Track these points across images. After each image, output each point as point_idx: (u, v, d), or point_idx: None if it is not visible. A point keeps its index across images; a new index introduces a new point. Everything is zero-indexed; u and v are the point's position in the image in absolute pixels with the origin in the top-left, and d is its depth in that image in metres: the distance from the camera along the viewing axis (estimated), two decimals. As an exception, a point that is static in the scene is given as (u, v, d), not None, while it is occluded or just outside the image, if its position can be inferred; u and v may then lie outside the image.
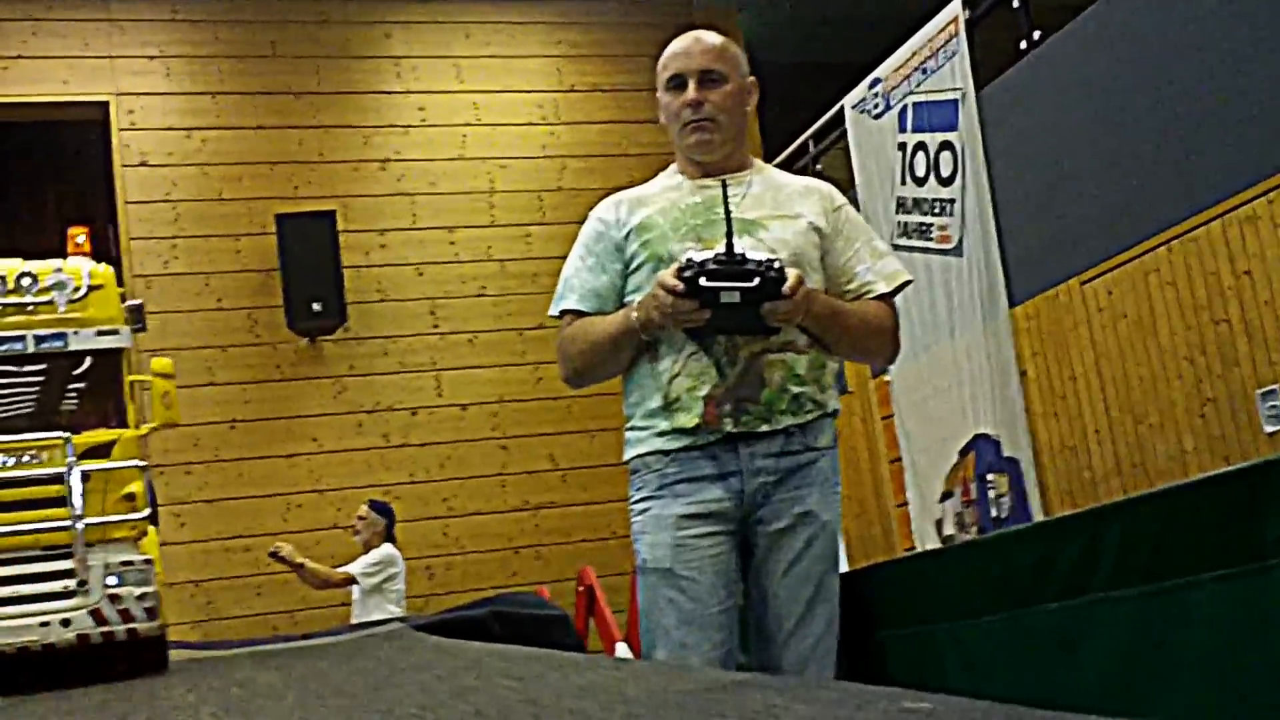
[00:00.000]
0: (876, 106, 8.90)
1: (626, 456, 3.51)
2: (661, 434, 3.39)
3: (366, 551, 8.77)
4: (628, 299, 3.47)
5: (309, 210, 10.14)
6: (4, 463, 2.26)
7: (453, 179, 10.84)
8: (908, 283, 3.58)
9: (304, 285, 9.91)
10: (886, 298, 3.52)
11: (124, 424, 2.45)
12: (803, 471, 3.38)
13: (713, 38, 3.59)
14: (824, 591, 3.43)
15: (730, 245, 3.22)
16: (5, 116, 10.18)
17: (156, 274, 9.91)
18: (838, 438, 3.51)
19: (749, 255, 3.20)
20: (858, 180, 8.98)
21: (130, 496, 2.41)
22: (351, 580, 8.42)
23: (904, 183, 8.43)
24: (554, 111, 11.18)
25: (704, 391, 3.32)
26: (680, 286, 3.18)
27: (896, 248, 8.13)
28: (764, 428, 3.32)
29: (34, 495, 2.30)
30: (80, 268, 2.47)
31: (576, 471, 10.40)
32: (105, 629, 2.31)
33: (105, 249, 9.94)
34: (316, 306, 9.93)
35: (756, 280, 3.16)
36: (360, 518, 8.96)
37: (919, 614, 3.58)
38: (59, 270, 2.38)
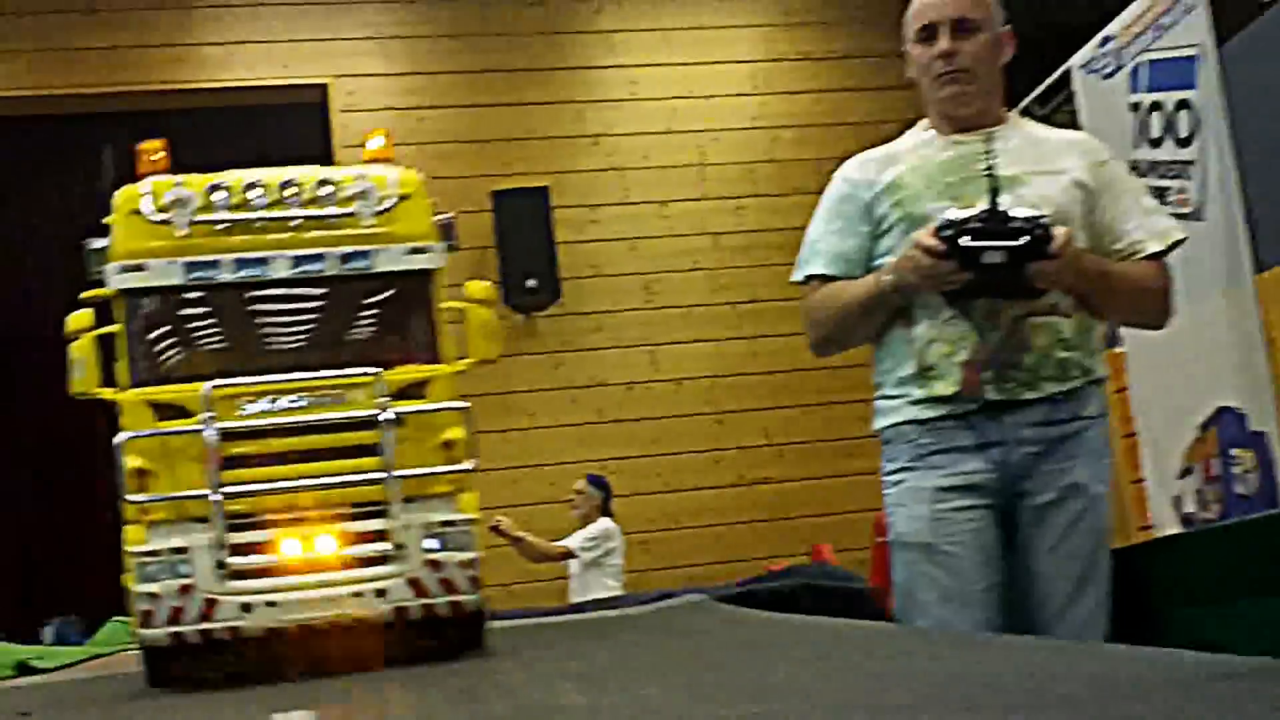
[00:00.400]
0: (1107, 66, 8.51)
1: (877, 426, 3.45)
2: (916, 402, 3.32)
3: (584, 526, 8.84)
4: (877, 263, 3.40)
5: (523, 186, 10.25)
6: (303, 404, 2.03)
7: (664, 152, 10.81)
8: (1180, 241, 3.42)
9: (519, 261, 10.04)
10: (1158, 257, 3.38)
11: (435, 359, 2.16)
12: (1070, 441, 3.27)
13: None
14: (1094, 570, 3.30)
15: (994, 202, 3.12)
16: (227, 101, 10.47)
17: (376, 253, 10.11)
18: (1108, 406, 3.40)
19: (1014, 213, 3.09)
20: (1086, 142, 8.62)
21: (449, 444, 2.12)
22: (570, 554, 8.48)
23: (1138, 146, 8.03)
24: (765, 81, 11.04)
25: (963, 357, 3.24)
26: (940, 246, 3.11)
27: (1130, 212, 7.78)
28: (1028, 395, 3.23)
29: (340, 443, 2.04)
30: (387, 175, 2.18)
31: (793, 447, 10.30)
32: (425, 601, 2.05)
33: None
34: (531, 283, 10.04)
35: (1023, 239, 3.05)
36: (577, 492, 9.03)
37: (1208, 592, 3.36)
38: (363, 177, 2.11)
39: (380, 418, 2.06)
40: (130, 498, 2.05)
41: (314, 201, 2.12)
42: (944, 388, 3.27)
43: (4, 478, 10.59)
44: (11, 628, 8.81)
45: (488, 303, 2.31)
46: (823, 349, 3.58)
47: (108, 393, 2.16)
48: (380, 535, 2.08)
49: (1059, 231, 3.11)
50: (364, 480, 2.08)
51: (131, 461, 2.07)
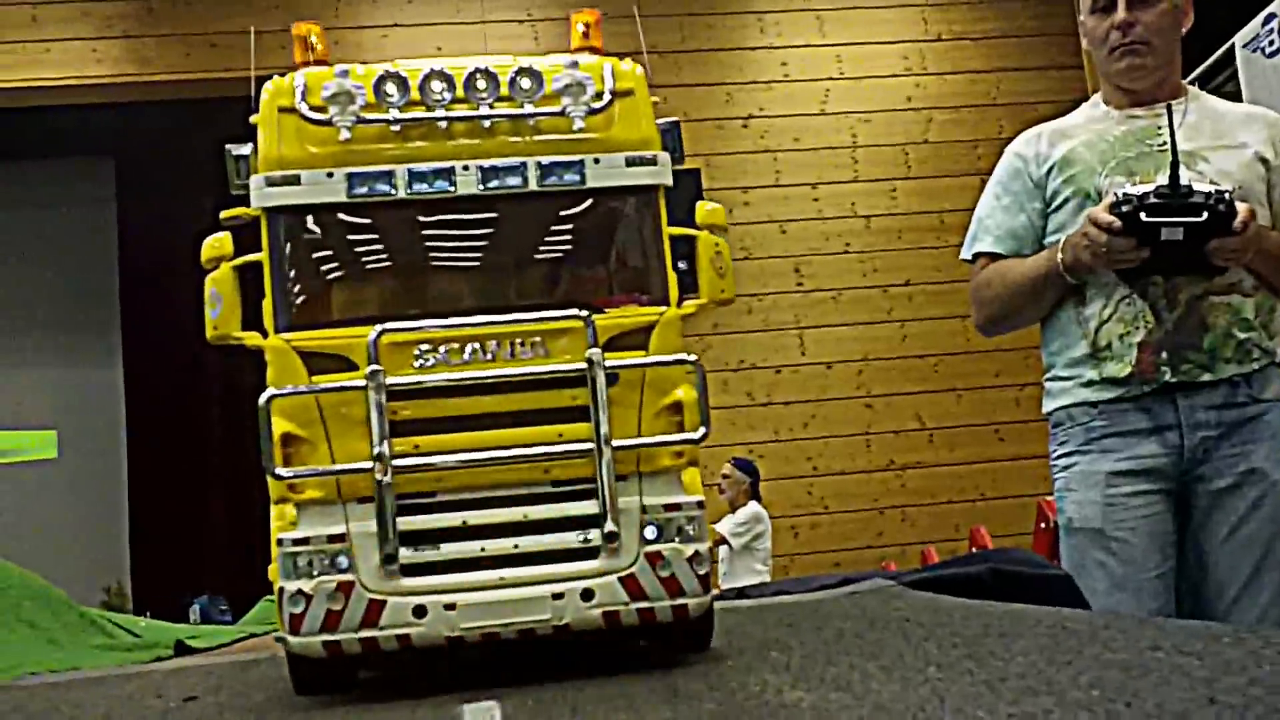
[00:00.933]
0: (1272, 43, 8.27)
1: (1047, 409, 3.36)
2: (1088, 384, 3.24)
3: (733, 510, 8.80)
4: (1049, 240, 3.31)
5: (674, 169, 10.20)
6: (492, 356, 1.60)
7: (815, 134, 10.82)
8: None
9: (670, 243, 10.00)
10: None
11: (662, 299, 1.73)
12: (1249, 425, 3.17)
13: None
14: (1273, 557, 3.18)
15: (1175, 177, 2.99)
16: None
17: (528, 234, 10.24)
18: None
19: (1195, 188, 2.99)
20: (1255, 120, 8.40)
21: (677, 407, 1.70)
22: (723, 541, 8.43)
23: (1300, 124, 7.83)
24: (919, 62, 10.99)
25: (1138, 338, 3.16)
26: (1116, 223, 3.01)
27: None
28: (1206, 377, 3.14)
29: (539, 405, 1.63)
30: (602, 66, 1.74)
31: (943, 431, 10.26)
32: (643, 605, 1.64)
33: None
34: (681, 265, 9.98)
35: (1204, 215, 2.96)
36: (725, 476, 8.99)
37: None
38: (573, 68, 1.66)
39: (591, 374, 1.65)
40: (278, 471, 1.65)
41: (511, 98, 1.71)
42: (1118, 369, 3.19)
43: (149, 451, 10.91)
44: (159, 605, 9.10)
45: (720, 228, 1.86)
46: (990, 329, 3.49)
47: (251, 337, 1.83)
48: (588, 522, 1.68)
49: (1241, 208, 3.00)
50: (569, 453, 1.68)
51: (279, 426, 1.67)
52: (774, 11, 10.91)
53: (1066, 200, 3.30)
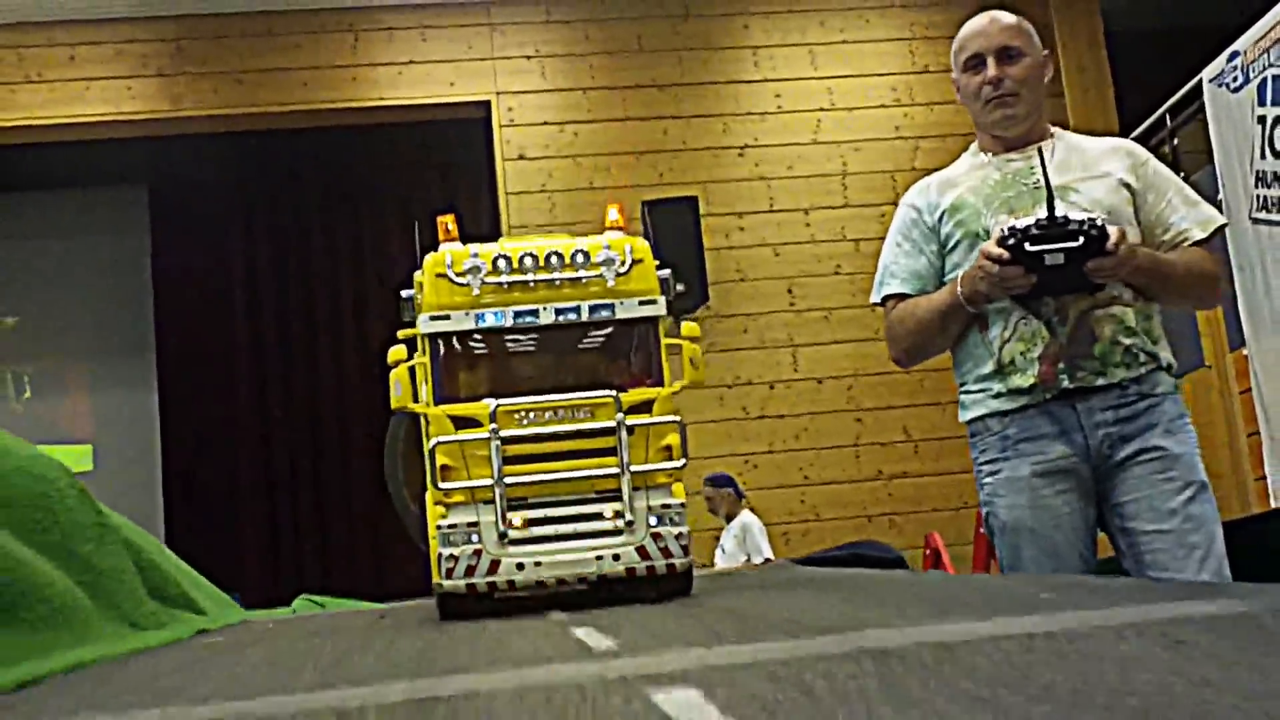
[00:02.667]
0: (1235, 80, 8.74)
1: (963, 419, 3.67)
2: (997, 395, 3.52)
3: (729, 522, 9.32)
4: (947, 278, 3.60)
5: (673, 196, 10.72)
6: (560, 417, 2.58)
7: (808, 162, 11.19)
8: (1223, 226, 3.60)
9: (669, 267, 10.46)
10: (1204, 243, 3.55)
11: (659, 383, 2.64)
12: (1144, 416, 3.45)
13: (1008, 16, 3.71)
14: (1194, 522, 3.46)
15: (1051, 209, 3.30)
16: (398, 118, 11.16)
17: (535, 258, 10.69)
18: (1179, 389, 3.54)
19: (1070, 216, 3.30)
20: (1216, 155, 8.85)
21: (668, 448, 2.60)
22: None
23: (1263, 156, 8.27)
24: (907, 93, 11.37)
25: (1037, 352, 3.44)
26: (1005, 254, 3.30)
27: (1255, 222, 8.04)
28: (1100, 381, 3.41)
29: (587, 446, 2.56)
30: (622, 243, 2.63)
31: (929, 443, 10.60)
32: (648, 563, 2.56)
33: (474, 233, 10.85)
34: (680, 287, 10.45)
35: (1080, 240, 3.26)
36: (707, 498, 9.50)
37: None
38: (607, 247, 2.58)
39: (617, 428, 2.56)
40: (440, 486, 2.57)
41: (570, 264, 2.60)
42: (1022, 380, 3.47)
43: (183, 464, 11.35)
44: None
45: (698, 340, 2.78)
46: (907, 361, 3.79)
47: (419, 407, 2.65)
48: (617, 515, 2.58)
49: (1113, 230, 3.30)
50: (605, 474, 2.56)
51: (440, 459, 2.58)
52: (768, 46, 11.32)
53: (959, 242, 3.57)
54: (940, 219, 3.63)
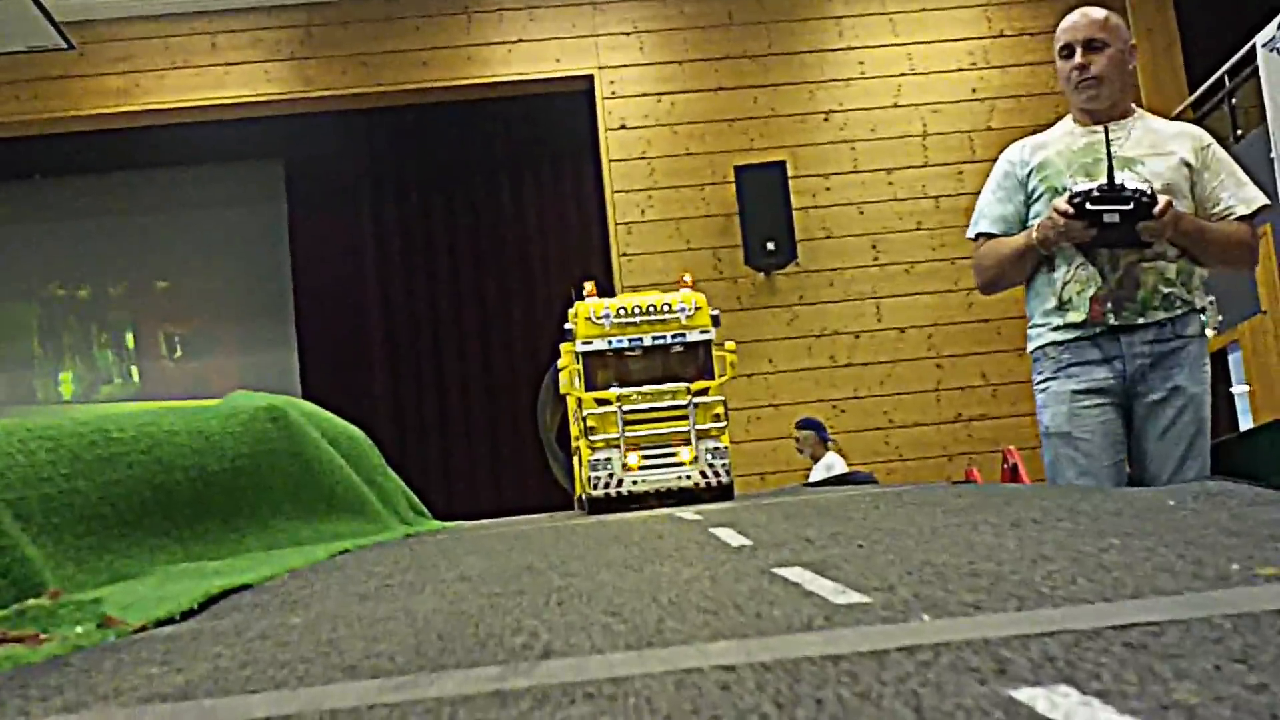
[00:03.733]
0: (1290, 43, 9.21)
1: (1029, 348, 4.39)
2: (1056, 328, 4.23)
3: (815, 463, 10.08)
4: (1029, 224, 4.30)
5: (762, 161, 11.43)
6: (655, 397, 4.14)
7: (889, 125, 11.79)
8: (1265, 206, 4.27)
9: (759, 227, 11.24)
10: (1246, 219, 4.22)
11: (711, 376, 4.22)
12: (1174, 355, 4.15)
13: (1097, 12, 4.39)
14: (1194, 450, 4.17)
15: (1110, 177, 4.02)
16: (509, 93, 11.99)
17: (635, 221, 11.53)
18: (1205, 329, 4.23)
19: (1126, 185, 4.01)
20: (1269, 116, 9.40)
21: (717, 415, 4.20)
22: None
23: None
24: (983, 57, 11.90)
25: (1090, 293, 4.15)
26: (1071, 210, 4.02)
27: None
28: (1140, 320, 4.12)
29: (671, 414, 4.10)
30: (689, 298, 4.26)
31: (1005, 387, 11.17)
32: (706, 480, 4.12)
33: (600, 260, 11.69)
34: (770, 245, 11.24)
35: (1131, 205, 3.96)
36: (796, 439, 10.26)
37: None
38: (680, 301, 4.18)
39: (687, 404, 4.18)
40: (591, 438, 4.20)
41: (661, 312, 4.24)
42: (1076, 316, 4.15)
43: (392, 419, 12.17)
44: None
45: (733, 351, 4.37)
46: (988, 289, 4.53)
47: (576, 392, 4.27)
48: (688, 453, 4.22)
49: (1161, 199, 3.97)
50: (680, 431, 4.22)
51: (589, 423, 4.22)
52: (850, 16, 11.95)
53: (1041, 194, 4.25)
54: (1029, 174, 4.33)
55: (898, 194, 11.73)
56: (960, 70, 11.92)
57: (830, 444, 10.36)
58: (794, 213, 11.40)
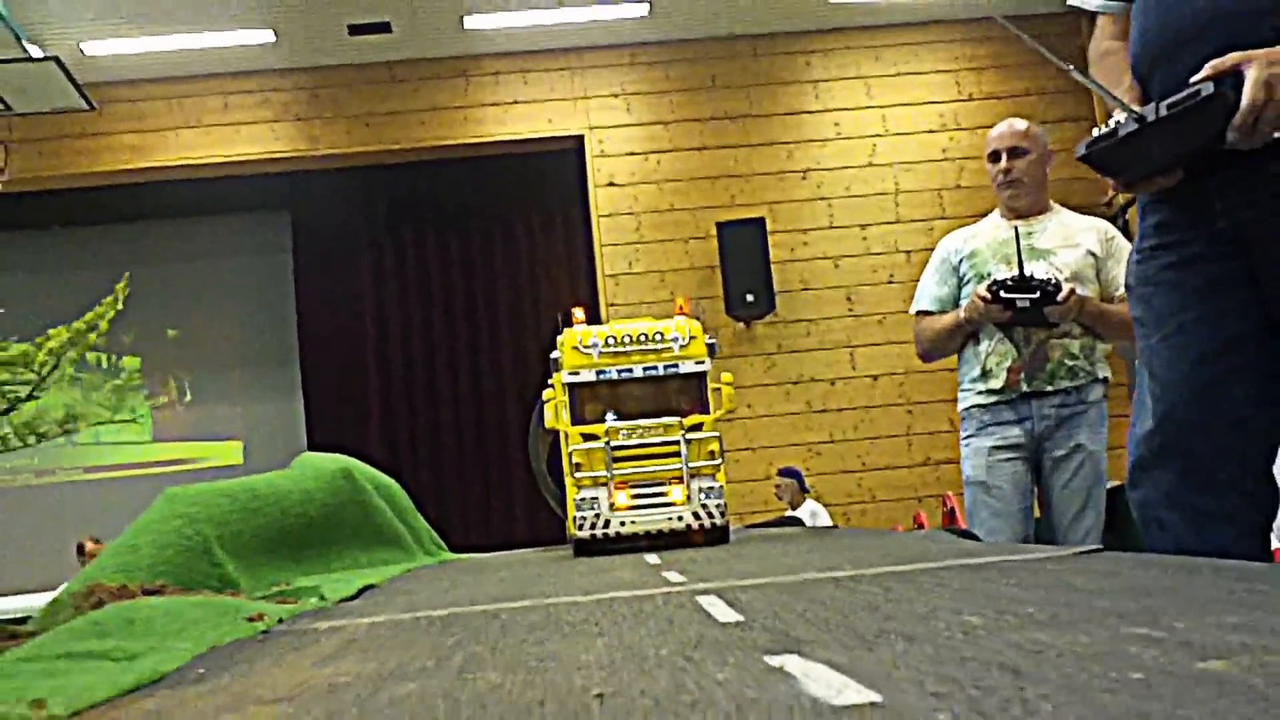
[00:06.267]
0: None
1: (959, 408, 5.01)
2: (979, 393, 4.85)
3: (793, 508, 10.57)
4: (962, 303, 4.89)
5: (743, 217, 11.92)
6: (646, 432, 3.76)
7: (864, 183, 12.26)
8: None
9: (740, 279, 11.72)
10: None
11: (706, 411, 3.82)
12: (1077, 418, 4.73)
13: (1019, 123, 5.02)
14: (1091, 499, 4.75)
15: (1021, 270, 4.65)
16: (503, 151, 12.48)
17: (623, 272, 12.05)
18: (1106, 395, 4.80)
19: (1036, 276, 4.63)
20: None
21: (712, 453, 3.77)
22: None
23: None
24: (954, 119, 12.39)
25: (1008, 364, 4.75)
26: (989, 296, 4.65)
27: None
28: (1049, 388, 4.71)
29: (663, 450, 3.70)
30: (683, 326, 3.90)
31: None
32: (699, 522, 3.72)
33: (586, 287, 12.25)
34: (750, 297, 11.71)
35: (1038, 293, 4.60)
36: (777, 485, 10.75)
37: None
38: (673, 329, 3.82)
39: (680, 440, 3.76)
40: (576, 475, 3.78)
41: (653, 340, 3.85)
42: (995, 383, 4.76)
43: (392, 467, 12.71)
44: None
45: (730, 384, 3.96)
46: (926, 358, 5.14)
47: (561, 425, 3.93)
48: (680, 493, 3.77)
49: (1065, 287, 4.58)
50: (673, 469, 3.76)
51: (575, 459, 3.82)
52: (827, 80, 12.45)
53: (970, 279, 4.79)
54: (961, 261, 4.93)
55: (871, 248, 12.17)
56: (931, 132, 12.38)
57: (807, 492, 10.83)
58: (772, 265, 11.83)
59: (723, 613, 1.35)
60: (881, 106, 12.47)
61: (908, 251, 12.11)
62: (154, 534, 2.30)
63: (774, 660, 0.95)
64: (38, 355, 1.93)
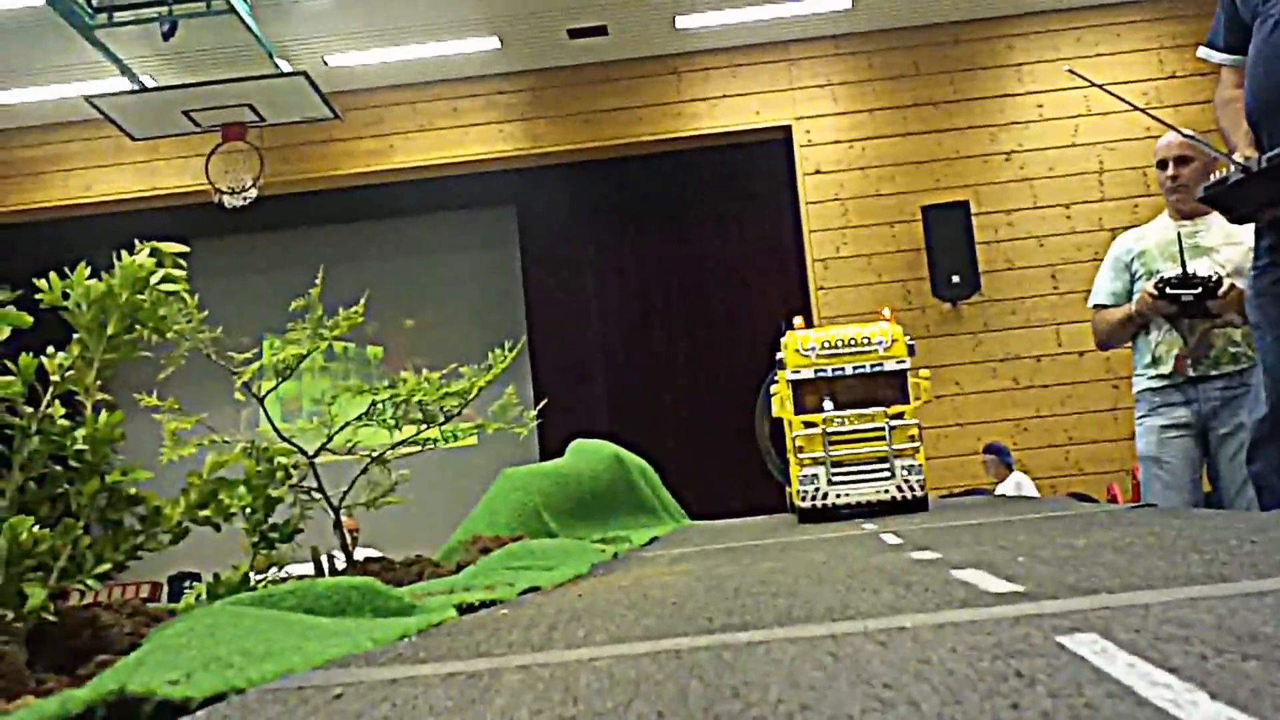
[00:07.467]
0: None
1: (1133, 391, 5.46)
2: (1151, 378, 5.30)
3: (999, 481, 10.96)
4: (1135, 297, 5.33)
5: (947, 200, 12.30)
6: (854, 420, 4.23)
7: (1067, 163, 12.49)
8: None
9: (945, 261, 12.13)
10: None
11: (906, 401, 4.35)
12: (1239, 399, 5.09)
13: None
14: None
15: (1184, 267, 5.10)
16: (716, 143, 13.07)
17: (831, 257, 12.55)
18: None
19: (1198, 273, 5.04)
20: None
21: (911, 436, 4.32)
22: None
23: None
24: (1156, 97, 12.44)
25: (1176, 352, 5.18)
26: (1156, 293, 5.09)
27: None
28: (1213, 373, 5.13)
29: (870, 435, 4.22)
30: (887, 330, 4.42)
31: None
32: (901, 494, 4.26)
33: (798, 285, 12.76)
34: (955, 278, 12.12)
35: (1200, 288, 5.02)
36: (984, 462, 11.14)
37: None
38: (879, 333, 4.29)
39: (886, 425, 4.39)
40: (799, 456, 4.43)
41: (861, 343, 4.40)
42: (1165, 369, 5.19)
43: (556, 438, 13.40)
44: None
45: (927, 378, 4.57)
46: (1102, 347, 5.63)
47: (786, 414, 4.55)
48: (885, 470, 4.41)
49: (1226, 282, 4.97)
50: (879, 450, 4.39)
51: (798, 442, 4.47)
52: (1029, 63, 12.70)
53: (1141, 275, 5.28)
54: (1132, 260, 5.40)
55: (1075, 227, 12.40)
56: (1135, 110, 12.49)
57: (1011, 467, 11.16)
58: (977, 247, 12.18)
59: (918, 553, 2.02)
60: (1084, 86, 12.44)
61: (1113, 229, 11.90)
62: (505, 502, 3.12)
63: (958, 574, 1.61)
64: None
